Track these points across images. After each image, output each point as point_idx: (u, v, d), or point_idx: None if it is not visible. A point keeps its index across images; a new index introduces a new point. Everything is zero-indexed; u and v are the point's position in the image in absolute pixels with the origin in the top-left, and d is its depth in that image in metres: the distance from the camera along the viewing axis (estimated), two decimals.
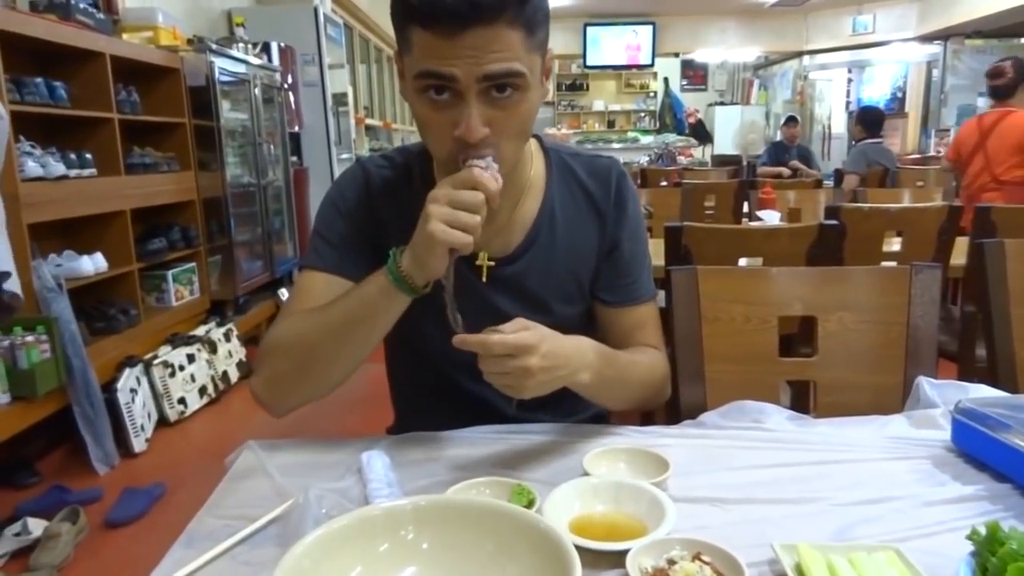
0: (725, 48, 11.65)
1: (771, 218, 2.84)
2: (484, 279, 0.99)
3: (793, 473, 0.86)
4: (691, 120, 11.74)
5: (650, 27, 11.23)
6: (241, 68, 3.97)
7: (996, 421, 0.84)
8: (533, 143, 1.02)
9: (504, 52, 0.79)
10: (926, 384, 1.05)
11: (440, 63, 0.79)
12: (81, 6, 2.90)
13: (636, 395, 1.02)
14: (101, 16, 3.06)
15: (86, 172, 2.81)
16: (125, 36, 3.32)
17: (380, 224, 1.00)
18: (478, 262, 0.98)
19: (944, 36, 9.62)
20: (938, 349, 1.17)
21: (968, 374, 2.03)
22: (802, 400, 1.36)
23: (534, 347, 0.80)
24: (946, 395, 1.01)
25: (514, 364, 0.79)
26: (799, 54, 11.59)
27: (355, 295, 0.88)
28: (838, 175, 5.37)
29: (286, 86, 4.73)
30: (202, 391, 3.18)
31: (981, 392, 1.00)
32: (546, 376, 0.82)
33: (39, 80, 2.63)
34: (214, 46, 3.69)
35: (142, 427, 2.77)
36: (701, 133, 11.33)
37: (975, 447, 0.87)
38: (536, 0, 0.81)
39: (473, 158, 0.82)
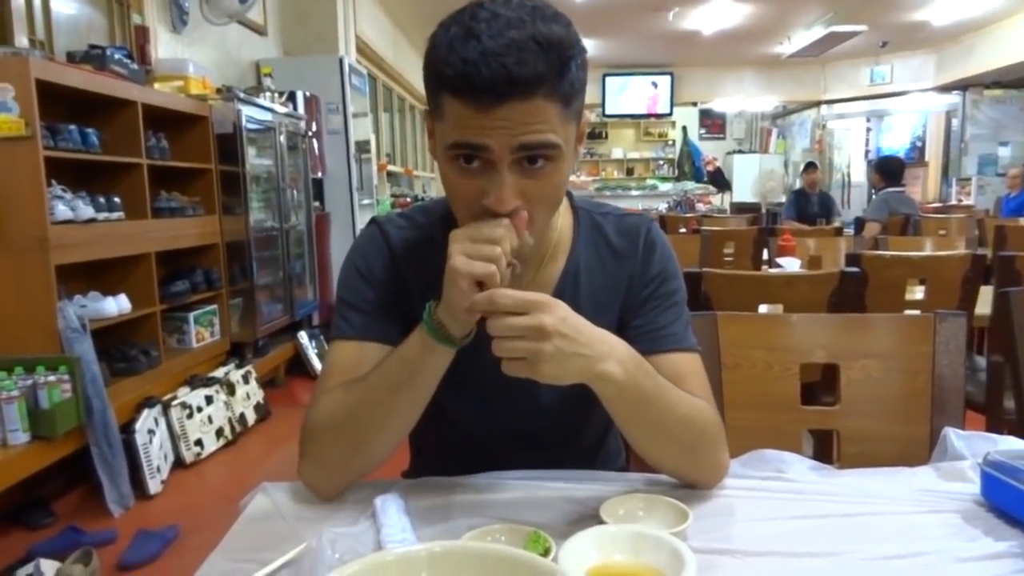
0: (743, 97, 11.79)
1: (791, 265, 2.82)
2: None
3: (817, 525, 0.84)
4: (710, 168, 11.83)
5: (668, 77, 11.40)
6: (267, 116, 4.07)
7: None
8: (563, 201, 0.98)
9: (540, 124, 0.77)
10: (953, 435, 1.02)
11: (473, 135, 0.77)
12: (116, 57, 3.01)
13: (677, 435, 0.87)
14: (135, 66, 3.16)
15: (114, 215, 2.87)
16: (157, 85, 3.43)
17: (404, 286, 0.97)
18: None
19: (962, 86, 9.68)
20: (966, 400, 1.15)
21: (997, 425, 1.98)
22: (825, 450, 1.33)
23: (547, 304, 0.75)
24: (974, 447, 0.99)
25: (525, 322, 0.73)
26: (817, 103, 11.69)
27: (395, 357, 0.85)
28: (859, 223, 5.36)
29: (310, 133, 4.84)
30: (219, 433, 3.18)
31: (1010, 444, 0.98)
32: (565, 345, 0.74)
33: (72, 127, 2.71)
34: (242, 95, 3.80)
35: (158, 468, 2.76)
36: (720, 181, 11.41)
37: (1006, 501, 0.84)
38: (574, 72, 0.78)
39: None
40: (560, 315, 0.75)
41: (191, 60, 3.81)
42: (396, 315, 0.95)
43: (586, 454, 1.08)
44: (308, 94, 4.92)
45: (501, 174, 0.78)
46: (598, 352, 0.78)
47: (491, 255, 0.75)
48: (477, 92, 0.74)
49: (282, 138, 4.22)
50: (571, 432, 1.04)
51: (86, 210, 2.68)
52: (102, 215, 2.79)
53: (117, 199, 2.91)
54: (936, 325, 1.13)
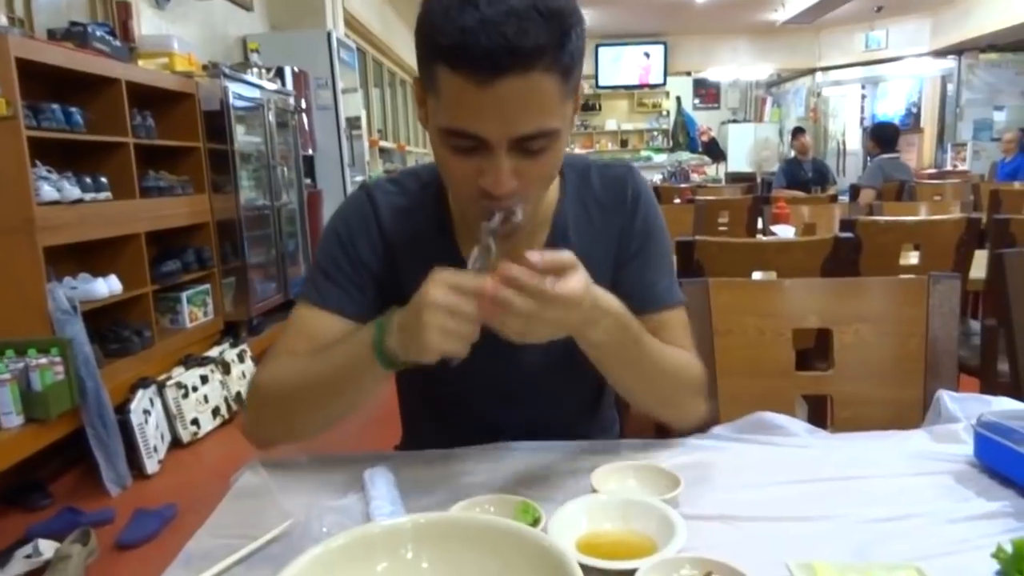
0: (737, 66, 11.69)
1: (785, 233, 2.81)
2: None
3: (810, 489, 0.83)
4: (704, 138, 11.75)
5: (661, 47, 11.29)
6: (255, 92, 4.02)
7: (1021, 435, 0.81)
8: None
9: (539, 107, 0.74)
10: (947, 397, 1.01)
11: (469, 122, 0.74)
12: (98, 34, 2.96)
13: (657, 385, 0.91)
14: (117, 43, 3.11)
15: (101, 195, 2.84)
16: (141, 62, 3.37)
17: (389, 255, 0.95)
18: None
19: (958, 51, 9.58)
20: (959, 364, 1.14)
21: (991, 389, 1.98)
22: (819, 415, 1.33)
23: (581, 301, 0.73)
24: (968, 409, 0.98)
25: (554, 315, 0.71)
26: (812, 71, 11.60)
27: (339, 356, 0.83)
28: (854, 190, 5.33)
29: (300, 110, 4.78)
30: (215, 412, 3.18)
31: (1004, 405, 0.97)
32: (578, 315, 0.74)
33: (55, 106, 2.67)
34: (228, 71, 3.74)
35: (155, 448, 2.76)
36: (714, 151, 11.34)
37: (999, 462, 0.84)
38: (574, 42, 0.75)
39: (496, 209, 0.78)
40: (586, 307, 0.75)
41: (175, 36, 3.75)
42: (372, 288, 0.94)
43: (578, 419, 1.06)
44: (296, 69, 4.86)
45: (498, 158, 0.75)
46: (591, 317, 0.78)
47: (466, 335, 0.71)
48: (474, 63, 0.70)
49: (271, 115, 4.17)
50: (560, 392, 1.02)
51: (72, 190, 2.65)
52: (89, 195, 2.76)
53: (104, 179, 2.88)
54: (930, 287, 1.12)
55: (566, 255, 0.74)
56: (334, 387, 0.85)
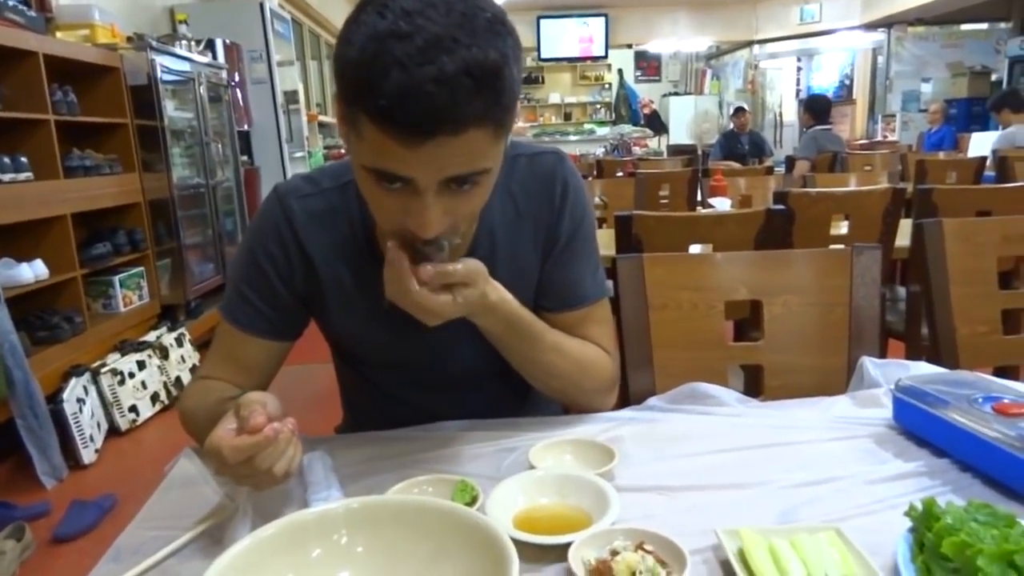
0: (677, 39, 11.76)
1: (722, 205, 2.86)
2: None
3: (739, 457, 0.86)
4: (646, 111, 11.83)
5: (602, 19, 11.28)
6: (185, 66, 3.87)
7: (935, 398, 0.85)
8: None
9: (470, 155, 0.70)
10: (869, 364, 1.06)
11: (396, 167, 0.70)
12: (10, 3, 2.79)
13: (561, 379, 0.95)
14: (32, 14, 2.94)
15: (21, 176, 2.70)
16: (59, 34, 3.21)
17: (308, 265, 0.92)
18: None
19: (887, 24, 9.85)
20: (887, 329, 1.19)
21: (915, 352, 2.07)
22: (756, 384, 1.37)
23: (484, 278, 0.82)
24: (888, 374, 1.03)
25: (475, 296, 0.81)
26: (749, 43, 11.76)
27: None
28: (789, 161, 5.46)
29: (233, 84, 4.62)
30: (154, 398, 3.10)
31: (921, 369, 1.02)
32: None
33: None
34: (155, 43, 3.59)
35: (91, 437, 2.68)
36: (656, 124, 11.43)
37: (915, 424, 0.88)
38: (509, 89, 0.69)
39: (422, 245, 0.76)
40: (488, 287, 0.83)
41: (96, 6, 3.56)
42: (286, 305, 0.94)
43: (516, 397, 1.07)
44: (228, 42, 4.69)
45: (426, 199, 0.71)
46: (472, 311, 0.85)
47: (260, 476, 0.70)
48: (400, 129, 0.66)
49: (202, 89, 4.03)
50: (491, 371, 1.00)
51: None
52: (7, 176, 2.62)
53: (23, 159, 2.74)
54: (853, 258, 1.16)
55: (459, 273, 0.78)
56: None
